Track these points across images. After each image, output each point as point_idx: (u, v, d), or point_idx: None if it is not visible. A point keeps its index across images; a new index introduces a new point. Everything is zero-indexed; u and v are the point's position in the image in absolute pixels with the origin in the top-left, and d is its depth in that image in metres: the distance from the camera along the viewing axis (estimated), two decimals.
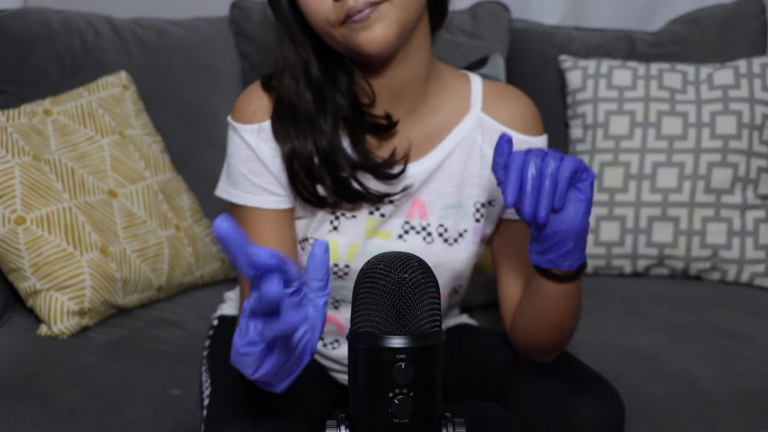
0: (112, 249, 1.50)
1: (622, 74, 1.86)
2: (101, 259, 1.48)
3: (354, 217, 1.15)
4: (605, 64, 1.88)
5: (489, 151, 1.16)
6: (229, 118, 1.15)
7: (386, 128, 1.12)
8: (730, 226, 1.79)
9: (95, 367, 1.35)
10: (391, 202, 1.15)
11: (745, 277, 1.81)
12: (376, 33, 1.02)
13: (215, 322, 1.38)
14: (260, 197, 1.13)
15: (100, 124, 1.61)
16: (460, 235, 1.17)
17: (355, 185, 1.11)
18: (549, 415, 1.08)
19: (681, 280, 1.84)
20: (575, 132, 1.89)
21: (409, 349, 0.71)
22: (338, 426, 0.75)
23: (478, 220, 1.18)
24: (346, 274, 1.16)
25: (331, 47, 1.09)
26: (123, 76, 1.71)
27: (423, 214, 1.16)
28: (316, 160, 1.10)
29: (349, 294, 1.18)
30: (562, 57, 1.93)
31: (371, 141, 1.13)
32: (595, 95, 1.86)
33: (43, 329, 1.45)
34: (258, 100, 1.13)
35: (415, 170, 1.15)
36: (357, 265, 1.15)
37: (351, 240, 1.15)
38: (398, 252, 0.75)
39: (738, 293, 1.76)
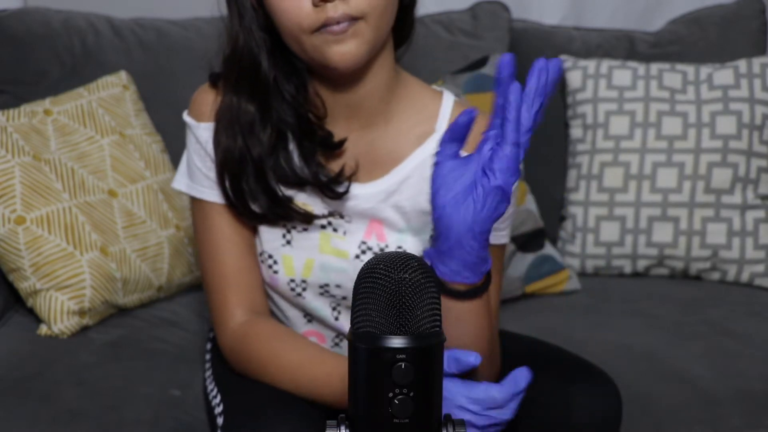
0: (112, 249, 1.50)
1: (622, 74, 1.86)
2: (101, 258, 1.48)
3: (305, 230, 1.16)
4: (605, 64, 1.88)
5: None
6: (185, 115, 1.18)
7: (332, 146, 1.12)
8: (730, 226, 1.79)
9: (95, 367, 1.35)
10: (331, 214, 1.14)
11: (745, 277, 1.81)
12: (349, 48, 1.01)
13: None
14: (215, 191, 1.15)
15: (100, 124, 1.61)
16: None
17: (289, 203, 1.12)
18: (547, 406, 1.08)
19: (681, 280, 1.84)
20: (575, 132, 1.89)
21: (409, 349, 0.71)
22: (338, 426, 0.75)
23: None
24: (304, 289, 1.17)
25: (291, 54, 1.09)
26: (123, 76, 1.71)
27: (380, 236, 1.15)
28: (247, 170, 1.10)
29: (316, 311, 1.20)
30: (562, 57, 1.93)
31: (320, 156, 1.13)
32: (595, 95, 1.86)
33: (43, 329, 1.45)
34: (208, 98, 1.15)
35: (369, 191, 1.14)
36: (314, 280, 1.16)
37: (306, 255, 1.16)
38: (398, 252, 0.75)
39: (738, 293, 1.76)
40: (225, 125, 1.11)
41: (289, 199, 1.13)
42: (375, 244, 1.15)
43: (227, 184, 1.12)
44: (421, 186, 1.12)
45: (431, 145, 1.12)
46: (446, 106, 1.15)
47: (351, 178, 1.12)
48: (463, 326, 0.96)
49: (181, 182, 1.19)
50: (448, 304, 0.92)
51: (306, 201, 1.15)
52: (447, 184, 0.89)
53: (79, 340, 1.44)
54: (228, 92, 1.11)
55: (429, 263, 0.89)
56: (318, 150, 1.12)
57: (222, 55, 1.13)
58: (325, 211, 1.15)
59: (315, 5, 1.00)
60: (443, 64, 1.83)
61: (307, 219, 1.14)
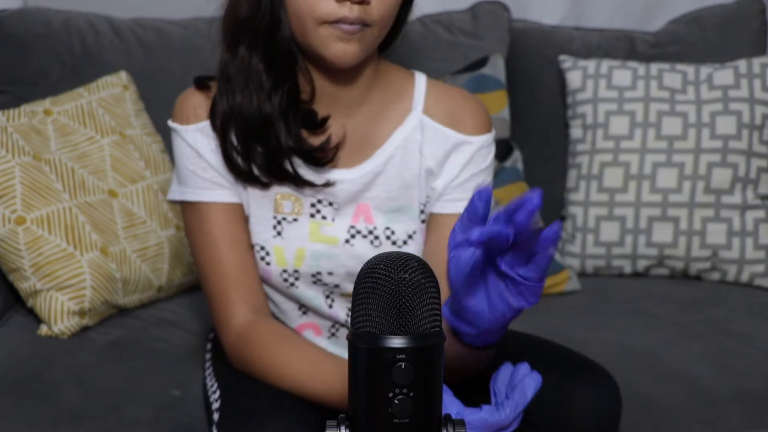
0: (112, 249, 1.50)
1: (622, 74, 1.86)
2: (101, 259, 1.48)
3: (295, 220, 1.17)
4: (605, 64, 1.88)
5: (427, 152, 1.17)
6: (170, 122, 1.19)
7: (317, 123, 1.14)
8: (730, 226, 1.79)
9: (95, 367, 1.35)
10: (320, 202, 1.17)
11: (745, 277, 1.81)
12: (352, 49, 1.05)
13: None
14: (211, 191, 1.16)
15: (100, 124, 1.61)
16: (410, 236, 1.18)
17: (286, 165, 1.13)
18: (546, 402, 1.08)
19: (681, 280, 1.84)
20: (575, 132, 1.89)
21: (409, 349, 0.71)
22: (338, 426, 0.75)
23: (423, 221, 1.19)
24: (296, 279, 1.18)
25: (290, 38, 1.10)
26: (123, 76, 1.71)
27: (368, 218, 1.18)
28: (256, 127, 1.11)
29: (310, 301, 1.20)
30: (562, 57, 1.93)
31: (303, 133, 1.15)
32: (595, 95, 1.86)
33: (43, 329, 1.45)
34: (195, 100, 1.17)
35: (356, 175, 1.16)
36: (306, 269, 1.17)
37: (296, 245, 1.17)
38: (398, 252, 0.75)
39: (738, 293, 1.76)
40: (240, 84, 1.12)
41: (290, 161, 1.14)
42: (364, 227, 1.18)
43: (233, 139, 1.12)
44: (407, 162, 1.17)
45: (410, 123, 1.18)
46: (420, 84, 1.20)
47: (338, 147, 1.14)
48: (464, 365, 0.96)
49: (174, 192, 1.20)
50: (460, 351, 0.93)
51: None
52: (466, 277, 0.84)
53: (79, 341, 1.44)
54: (238, 52, 1.12)
55: (450, 325, 0.90)
56: (300, 127, 1.14)
57: (227, 18, 1.15)
58: (317, 187, 1.16)
59: (338, 1, 1.03)
60: (443, 64, 1.83)
61: (303, 183, 1.14)
